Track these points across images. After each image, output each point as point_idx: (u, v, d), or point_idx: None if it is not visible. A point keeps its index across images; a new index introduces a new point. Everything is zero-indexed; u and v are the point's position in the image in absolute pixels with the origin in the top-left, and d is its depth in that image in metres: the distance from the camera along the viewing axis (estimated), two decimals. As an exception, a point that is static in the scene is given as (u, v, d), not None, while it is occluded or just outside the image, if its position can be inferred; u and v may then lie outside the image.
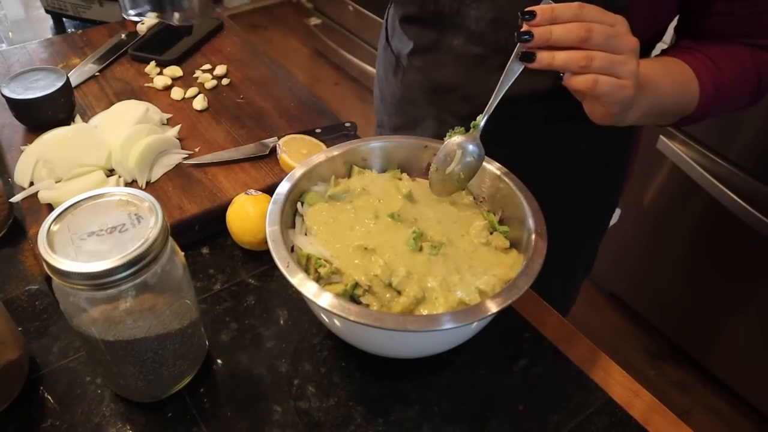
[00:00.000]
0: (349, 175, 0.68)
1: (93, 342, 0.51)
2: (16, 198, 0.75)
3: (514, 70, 0.55)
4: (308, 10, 2.90)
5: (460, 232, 0.61)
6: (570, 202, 0.84)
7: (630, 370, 0.63)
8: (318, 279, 0.57)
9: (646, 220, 1.63)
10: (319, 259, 0.57)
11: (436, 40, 0.75)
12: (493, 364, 0.62)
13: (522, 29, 0.52)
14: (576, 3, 0.52)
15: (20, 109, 0.84)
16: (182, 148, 0.84)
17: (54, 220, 0.49)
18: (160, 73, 1.00)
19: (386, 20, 0.90)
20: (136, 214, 0.50)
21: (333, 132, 0.88)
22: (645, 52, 0.71)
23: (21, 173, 0.78)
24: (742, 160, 1.34)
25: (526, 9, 0.52)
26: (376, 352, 0.60)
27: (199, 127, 0.89)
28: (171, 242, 0.52)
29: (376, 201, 0.63)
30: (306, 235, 0.61)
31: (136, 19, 0.80)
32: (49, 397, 0.58)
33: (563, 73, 0.55)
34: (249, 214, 0.70)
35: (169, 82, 0.97)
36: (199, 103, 0.92)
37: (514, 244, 0.61)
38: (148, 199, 0.51)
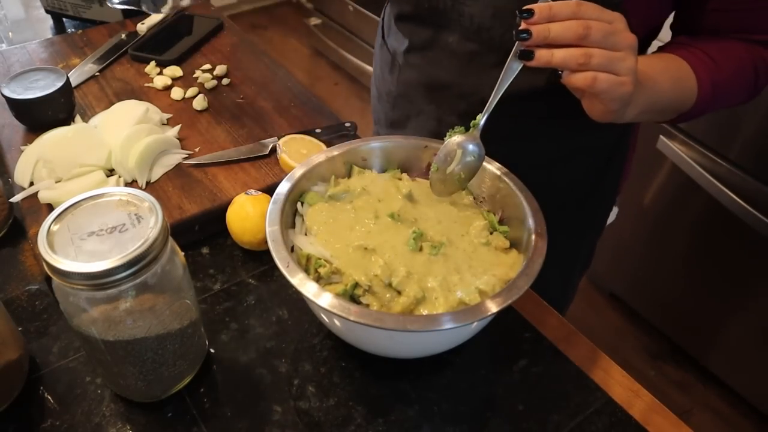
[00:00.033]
0: (349, 175, 0.68)
1: (93, 342, 0.51)
2: (16, 198, 0.75)
3: (513, 68, 0.56)
4: (308, 10, 2.90)
5: (460, 232, 0.61)
6: (568, 200, 0.84)
7: (630, 370, 0.63)
8: (318, 279, 0.57)
9: (646, 219, 1.63)
10: (319, 259, 0.57)
11: (432, 38, 0.76)
12: (493, 364, 0.62)
13: (520, 27, 0.52)
14: (573, 1, 0.52)
15: (20, 109, 0.84)
16: (182, 148, 0.84)
17: (54, 220, 0.49)
18: (160, 73, 1.00)
19: (383, 19, 0.90)
20: (136, 214, 0.50)
21: (333, 132, 0.88)
22: (641, 49, 0.71)
23: (21, 173, 0.78)
24: (742, 160, 1.34)
25: (524, 7, 0.52)
26: (376, 352, 0.60)
27: (199, 127, 0.89)
28: (171, 242, 0.52)
29: (376, 201, 0.63)
30: (306, 235, 0.61)
31: (119, 7, 0.79)
32: (49, 397, 0.58)
33: (561, 71, 0.55)
34: (249, 214, 0.70)
35: (169, 82, 0.97)
36: (199, 103, 0.92)
37: (514, 244, 0.61)
38: (148, 199, 0.51)
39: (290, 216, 0.62)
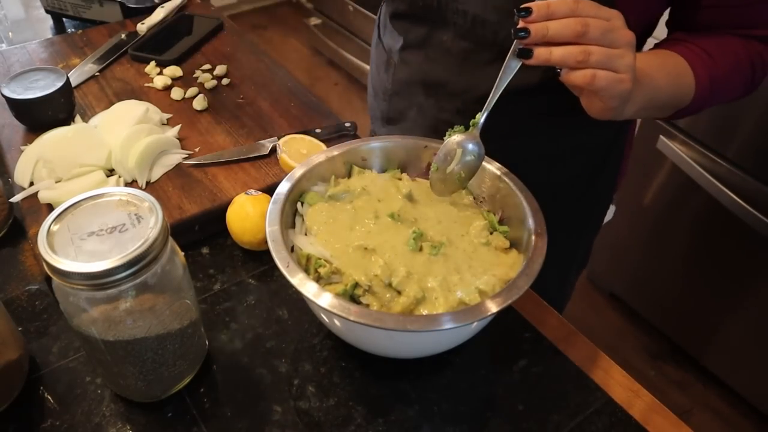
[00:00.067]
0: (349, 175, 0.68)
1: (93, 342, 0.51)
2: (16, 198, 0.75)
3: (511, 67, 0.56)
4: (308, 10, 2.90)
5: (460, 232, 0.61)
6: (566, 197, 0.85)
7: (630, 370, 0.63)
8: (318, 279, 0.57)
9: (646, 219, 1.63)
10: (319, 259, 0.57)
11: (426, 36, 0.76)
12: (493, 364, 0.62)
13: (518, 26, 0.52)
14: None
15: (20, 109, 0.84)
16: (182, 148, 0.84)
17: (54, 220, 0.49)
18: (160, 73, 1.00)
19: (379, 17, 0.91)
20: (136, 214, 0.50)
21: (333, 132, 0.88)
22: (637, 47, 0.72)
23: (21, 173, 0.78)
24: (741, 159, 1.34)
25: (522, 6, 0.52)
26: (376, 352, 0.60)
27: (199, 127, 0.89)
28: (171, 242, 0.52)
29: (376, 201, 0.63)
30: (306, 235, 0.61)
31: None
32: (49, 397, 0.58)
33: (560, 69, 0.55)
34: (249, 214, 0.70)
35: (169, 82, 0.97)
36: (199, 103, 0.92)
37: (514, 244, 0.61)
38: (148, 199, 0.51)
39: (290, 216, 0.62)
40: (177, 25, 1.12)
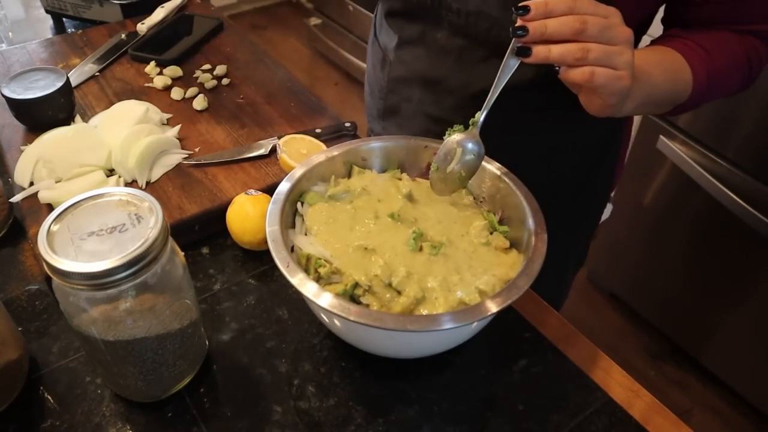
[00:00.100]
0: (349, 175, 0.68)
1: (93, 342, 0.51)
2: (16, 198, 0.75)
3: (510, 65, 0.56)
4: (308, 10, 2.90)
5: (460, 232, 0.61)
6: (563, 194, 0.85)
7: (630, 370, 0.63)
8: (318, 279, 0.57)
9: (646, 219, 1.63)
10: (319, 259, 0.57)
11: (420, 34, 0.76)
12: (493, 364, 0.62)
13: (516, 24, 0.53)
14: None
15: (20, 109, 0.84)
16: (182, 148, 0.84)
17: (54, 220, 0.49)
18: (160, 73, 1.00)
19: (375, 15, 0.91)
20: (136, 214, 0.50)
21: (333, 132, 0.88)
22: None
23: (21, 173, 0.78)
24: (741, 159, 1.34)
25: (520, 4, 0.52)
26: (376, 352, 0.60)
27: (199, 127, 0.89)
28: (171, 242, 0.52)
29: (376, 201, 0.63)
30: (306, 235, 0.61)
31: None
32: (49, 397, 0.58)
33: (558, 67, 0.55)
34: (249, 214, 0.70)
35: (169, 82, 0.97)
36: (199, 103, 0.92)
37: (514, 244, 0.61)
38: (148, 199, 0.51)
39: (290, 216, 0.62)
40: (177, 25, 1.12)
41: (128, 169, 0.77)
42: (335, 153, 0.67)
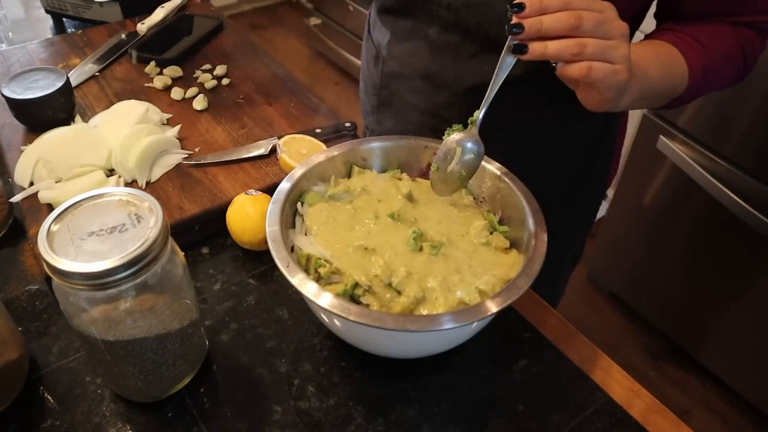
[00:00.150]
0: (349, 175, 0.68)
1: (93, 342, 0.51)
2: (16, 198, 0.75)
3: (507, 63, 0.56)
4: (308, 10, 2.89)
5: (460, 232, 0.61)
6: (558, 192, 0.85)
7: (630, 370, 0.63)
8: (318, 279, 0.57)
9: (645, 219, 1.63)
10: (319, 259, 0.57)
11: (412, 30, 0.77)
12: (493, 364, 0.62)
13: (512, 21, 0.52)
14: None
15: (20, 109, 0.84)
16: (182, 148, 0.84)
17: (54, 220, 0.49)
18: (160, 73, 1.00)
19: (369, 13, 0.91)
20: (136, 214, 0.50)
21: (333, 132, 0.88)
22: None
23: (21, 173, 0.78)
24: (741, 159, 1.34)
25: (515, 1, 0.52)
26: (376, 352, 0.60)
27: (199, 127, 0.89)
28: (171, 242, 0.52)
29: (376, 201, 0.63)
30: (306, 235, 0.61)
31: None
32: (49, 397, 0.58)
33: (555, 63, 0.55)
34: (249, 214, 0.70)
35: (169, 82, 0.97)
36: (199, 103, 0.92)
37: (514, 244, 0.61)
38: (148, 199, 0.51)
39: (290, 216, 0.62)
40: (177, 25, 1.12)
41: (128, 169, 0.77)
42: (335, 153, 0.67)
